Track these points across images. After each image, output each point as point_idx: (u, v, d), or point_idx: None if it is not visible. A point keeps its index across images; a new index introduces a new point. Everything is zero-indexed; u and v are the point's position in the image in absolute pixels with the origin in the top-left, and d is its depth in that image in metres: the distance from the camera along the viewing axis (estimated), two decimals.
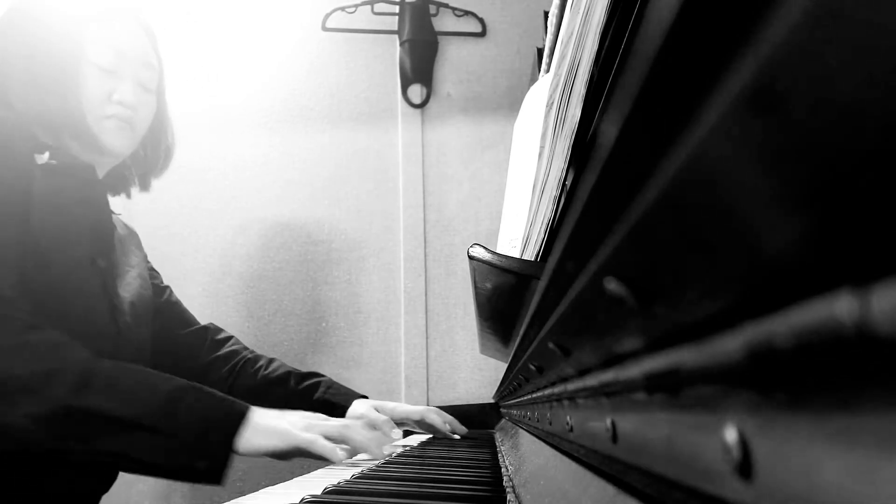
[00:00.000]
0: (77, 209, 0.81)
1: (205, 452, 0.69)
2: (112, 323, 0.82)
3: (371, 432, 0.79)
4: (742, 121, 0.09)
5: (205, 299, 1.48)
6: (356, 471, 0.63)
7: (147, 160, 0.99)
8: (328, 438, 0.74)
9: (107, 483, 0.87)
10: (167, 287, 1.07)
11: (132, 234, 1.02)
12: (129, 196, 1.01)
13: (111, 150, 0.87)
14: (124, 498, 1.38)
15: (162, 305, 1.03)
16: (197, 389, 0.73)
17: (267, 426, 0.72)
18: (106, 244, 0.86)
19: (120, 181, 0.98)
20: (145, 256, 1.04)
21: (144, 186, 1.02)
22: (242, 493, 0.53)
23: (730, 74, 0.09)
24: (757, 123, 0.09)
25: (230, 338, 1.10)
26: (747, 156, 0.10)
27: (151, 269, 1.05)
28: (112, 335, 0.82)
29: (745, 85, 0.09)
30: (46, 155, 0.79)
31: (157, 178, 1.02)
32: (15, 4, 0.84)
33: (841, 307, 0.08)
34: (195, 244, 1.53)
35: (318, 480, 0.59)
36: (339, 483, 0.53)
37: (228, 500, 0.49)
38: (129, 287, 0.90)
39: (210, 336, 1.07)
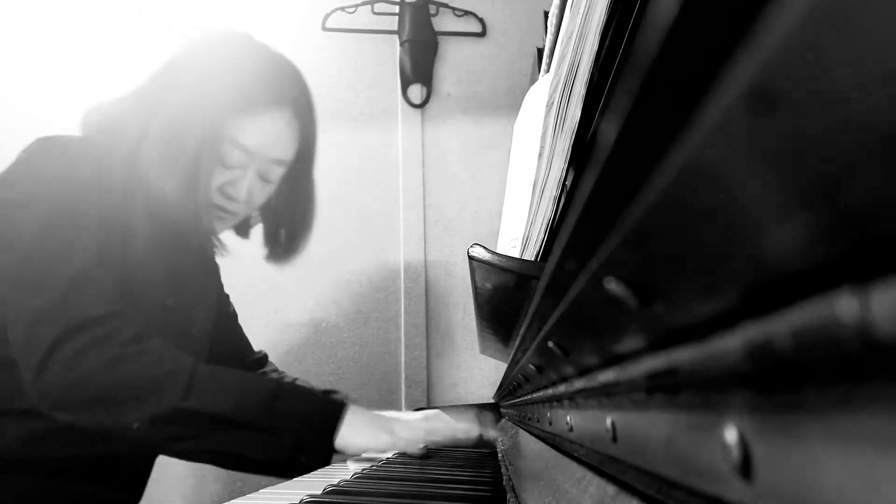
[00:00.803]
0: (165, 247, 0.82)
1: (306, 447, 0.71)
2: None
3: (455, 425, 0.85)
4: (742, 121, 0.09)
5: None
6: (356, 470, 0.63)
7: (282, 242, 0.99)
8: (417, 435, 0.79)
9: (137, 495, 0.89)
10: (235, 313, 1.12)
11: (213, 271, 1.03)
12: (246, 237, 1.01)
13: (207, 231, 0.86)
14: None
15: (231, 335, 1.08)
16: (296, 388, 0.77)
17: (360, 423, 0.75)
18: (181, 285, 0.87)
19: (238, 228, 0.98)
20: (221, 289, 1.06)
21: (272, 261, 1.02)
22: (242, 493, 0.53)
23: (729, 74, 0.09)
24: (756, 123, 0.09)
25: (269, 362, 1.16)
26: (747, 156, 0.10)
27: (224, 294, 1.08)
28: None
29: (744, 85, 0.09)
30: (145, 192, 0.79)
31: (287, 261, 1.02)
32: (173, 80, 0.81)
33: (841, 307, 0.08)
34: None
35: (319, 480, 0.59)
36: (339, 483, 0.53)
37: (228, 500, 0.49)
38: (194, 321, 0.91)
39: (258, 362, 1.13)
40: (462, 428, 0.84)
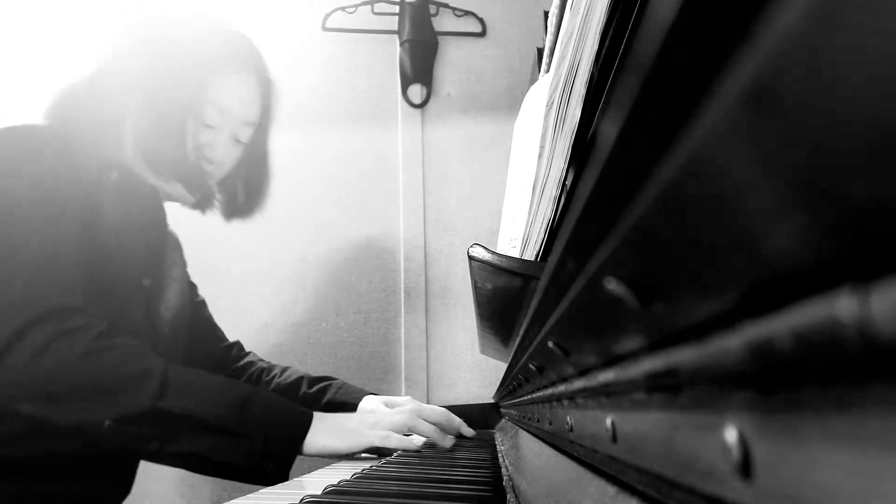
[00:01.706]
0: (138, 230, 0.83)
1: (273, 454, 0.72)
2: (151, 345, 0.83)
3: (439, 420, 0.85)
4: (742, 120, 0.09)
5: (204, 300, 1.47)
6: (357, 470, 0.63)
7: (240, 201, 1.03)
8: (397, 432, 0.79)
9: (125, 489, 0.88)
10: (203, 301, 1.11)
11: (176, 244, 1.04)
12: (203, 213, 1.04)
13: (184, 197, 0.91)
14: None
15: (199, 321, 1.06)
16: (265, 394, 0.77)
17: (334, 428, 0.76)
18: (155, 264, 0.88)
19: (198, 203, 1.00)
20: (186, 266, 1.06)
21: (227, 218, 1.05)
22: (242, 493, 0.53)
23: (730, 74, 0.09)
24: (757, 123, 0.09)
25: (248, 353, 1.15)
26: (747, 156, 0.10)
27: (191, 283, 1.07)
28: None
29: (745, 84, 0.09)
30: (115, 174, 0.81)
31: (244, 219, 1.05)
32: (149, 49, 0.85)
33: (841, 307, 0.08)
34: (195, 245, 1.52)
35: (318, 480, 0.59)
36: (339, 483, 0.53)
37: (229, 500, 0.49)
38: (170, 304, 0.92)
39: (236, 352, 1.12)
40: (437, 434, 0.83)
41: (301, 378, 1.06)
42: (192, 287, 1.08)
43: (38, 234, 0.71)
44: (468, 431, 0.98)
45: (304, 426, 0.75)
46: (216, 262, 1.53)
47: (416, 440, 0.81)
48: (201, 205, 1.02)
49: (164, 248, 0.91)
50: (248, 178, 1.01)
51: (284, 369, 1.09)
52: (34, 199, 0.73)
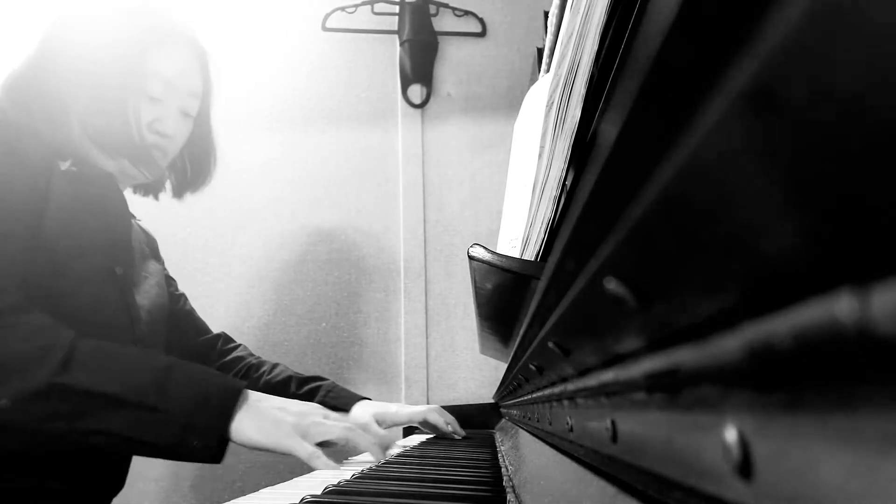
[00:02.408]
0: (96, 217, 0.82)
1: (198, 430, 0.67)
2: (129, 332, 0.83)
3: (374, 435, 0.78)
4: (742, 120, 0.09)
5: (204, 300, 1.48)
6: (356, 470, 0.63)
7: (188, 176, 1.02)
8: (330, 441, 0.73)
9: (117, 485, 0.87)
10: (182, 295, 1.10)
11: (151, 241, 1.04)
12: (157, 199, 1.04)
13: (139, 176, 0.90)
14: (124, 497, 1.38)
15: (177, 313, 1.05)
16: (190, 365, 0.72)
17: (263, 415, 0.70)
18: (125, 252, 0.87)
19: (151, 186, 1.01)
20: (163, 264, 1.05)
21: (178, 195, 1.04)
22: (243, 493, 0.53)
23: (730, 74, 0.09)
24: (757, 123, 0.09)
25: (238, 346, 1.12)
26: (747, 156, 0.10)
27: (168, 277, 1.06)
28: (129, 344, 0.82)
29: (744, 84, 0.09)
30: (69, 162, 0.80)
31: (193, 192, 1.04)
32: (82, 21, 0.85)
33: (841, 307, 0.08)
34: (194, 245, 1.53)
35: (319, 480, 0.59)
36: (339, 483, 0.53)
37: (228, 500, 0.49)
38: (147, 295, 0.91)
39: (221, 344, 1.10)
40: (377, 439, 0.78)
41: (290, 378, 1.04)
42: (171, 281, 1.07)
43: None
44: (459, 431, 0.95)
45: (232, 399, 0.70)
46: (216, 262, 1.53)
47: (391, 451, 0.75)
48: (154, 188, 1.02)
49: (130, 236, 0.90)
50: (193, 151, 1.00)
51: (274, 366, 1.07)
52: None
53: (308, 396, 1.01)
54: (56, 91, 0.82)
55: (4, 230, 0.70)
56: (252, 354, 1.11)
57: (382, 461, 0.75)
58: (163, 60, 0.88)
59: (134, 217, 0.97)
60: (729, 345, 0.12)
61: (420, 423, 1.06)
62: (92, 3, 0.87)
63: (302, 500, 0.45)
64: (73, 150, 0.82)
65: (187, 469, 1.40)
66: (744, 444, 0.12)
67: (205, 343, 1.08)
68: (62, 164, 0.79)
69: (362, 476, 0.59)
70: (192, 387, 0.69)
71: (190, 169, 1.02)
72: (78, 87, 0.82)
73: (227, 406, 0.69)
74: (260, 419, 0.70)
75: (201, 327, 1.10)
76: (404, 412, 1.04)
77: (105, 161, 0.85)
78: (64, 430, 0.65)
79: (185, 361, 0.72)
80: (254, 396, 0.72)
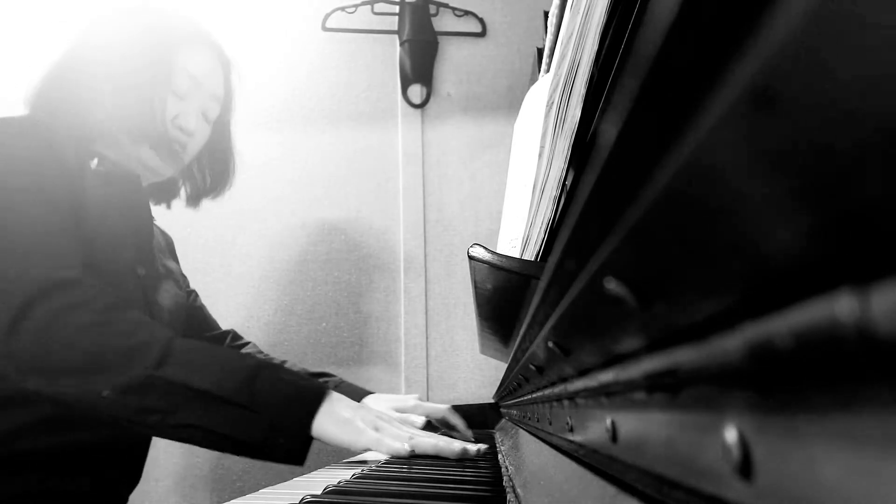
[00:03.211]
0: (123, 217, 0.84)
1: (284, 429, 0.69)
2: None
3: (440, 437, 0.77)
4: (742, 121, 0.09)
5: (205, 299, 1.47)
6: (356, 470, 0.63)
7: (203, 184, 1.05)
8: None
9: (132, 481, 0.89)
10: (193, 291, 1.13)
11: (169, 241, 1.06)
12: (168, 207, 1.06)
13: (160, 168, 0.92)
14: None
15: (189, 310, 1.07)
16: (277, 367, 0.74)
17: (342, 417, 0.72)
18: (147, 252, 0.89)
19: (164, 193, 1.03)
20: (179, 263, 1.08)
21: (193, 204, 1.07)
22: (243, 493, 0.53)
23: (730, 74, 0.09)
24: (757, 123, 0.09)
25: (247, 343, 1.15)
26: (747, 156, 0.10)
27: (183, 274, 1.09)
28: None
29: (745, 85, 0.09)
30: (95, 161, 0.82)
31: (210, 200, 1.07)
32: (118, 17, 0.89)
33: (841, 307, 0.08)
34: (195, 244, 1.53)
35: (319, 480, 0.59)
36: (339, 483, 0.53)
37: (228, 499, 0.49)
38: (167, 294, 0.93)
39: (230, 341, 1.13)
40: (444, 443, 0.76)
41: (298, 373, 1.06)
42: (185, 279, 1.10)
43: (30, 215, 0.72)
44: (464, 436, 0.95)
45: (317, 399, 0.71)
46: (216, 262, 1.53)
47: (456, 445, 0.73)
48: (167, 194, 1.04)
49: (152, 237, 0.92)
50: (213, 157, 1.03)
51: (282, 363, 1.08)
52: (21, 186, 0.73)
53: None
54: (88, 80, 0.84)
55: (64, 226, 0.73)
56: (261, 352, 1.13)
57: (457, 449, 0.73)
58: (191, 59, 0.91)
59: (153, 219, 0.98)
60: (729, 345, 0.12)
61: (438, 420, 1.05)
62: (125, 1, 0.90)
63: (302, 500, 0.45)
64: (101, 134, 0.84)
65: (187, 469, 1.40)
66: (744, 444, 0.12)
67: (214, 338, 1.11)
68: (91, 162, 0.81)
69: (362, 476, 0.59)
70: (280, 387, 0.70)
71: (209, 177, 1.04)
72: (107, 74, 0.84)
73: (312, 407, 0.71)
74: (339, 416, 0.71)
75: (212, 324, 1.13)
76: (422, 408, 1.03)
77: (129, 149, 0.87)
78: (158, 423, 0.67)
79: (273, 363, 0.76)
80: (335, 396, 0.74)
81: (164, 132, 0.87)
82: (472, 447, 0.75)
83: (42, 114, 0.83)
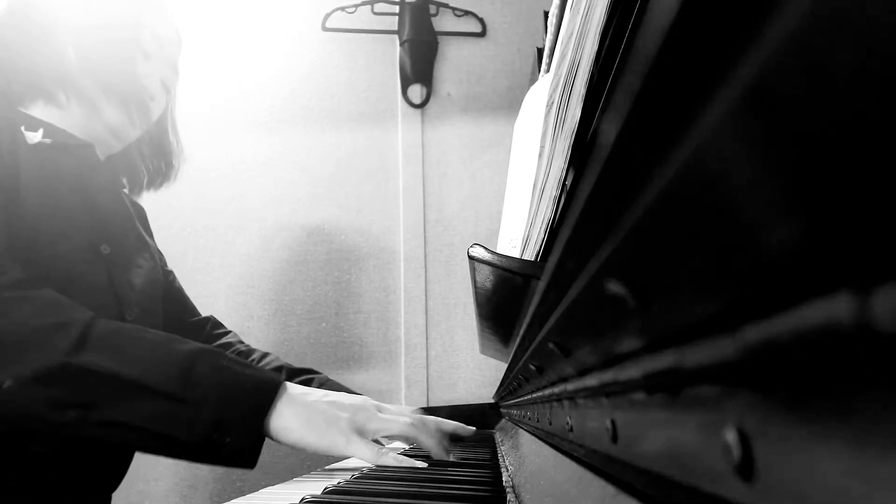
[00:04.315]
0: (75, 192, 0.76)
1: (229, 426, 0.59)
2: (118, 317, 0.77)
3: (435, 430, 0.71)
4: (742, 121, 0.09)
5: (204, 299, 1.47)
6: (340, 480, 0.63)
7: (143, 176, 0.99)
8: (391, 436, 0.67)
9: (115, 480, 0.84)
10: (171, 272, 1.05)
11: (140, 211, 0.99)
12: (138, 196, 1.01)
13: (124, 129, 0.87)
14: (124, 498, 1.38)
15: (167, 290, 1.00)
16: (219, 353, 0.63)
17: (311, 410, 0.62)
18: (112, 228, 0.81)
19: (130, 178, 0.98)
20: (153, 237, 1.01)
21: (154, 187, 1.02)
22: (242, 493, 0.53)
23: (730, 74, 0.09)
24: (757, 124, 0.09)
25: (228, 332, 1.08)
26: (747, 156, 0.10)
27: (159, 252, 1.01)
28: None
29: (745, 85, 0.09)
30: (40, 133, 0.74)
31: (156, 189, 1.01)
32: None
33: (841, 307, 0.08)
34: (195, 244, 1.53)
35: (318, 480, 0.59)
36: (339, 483, 0.53)
37: (228, 499, 0.49)
38: (140, 272, 0.85)
39: (209, 328, 1.06)
40: (442, 448, 0.71)
41: (281, 368, 0.98)
42: (161, 255, 1.02)
43: None
44: (466, 431, 0.94)
45: (270, 393, 0.61)
46: (216, 262, 1.53)
47: (419, 463, 0.65)
48: (133, 180, 0.99)
49: (121, 211, 0.86)
50: (154, 151, 0.99)
51: (265, 355, 1.01)
52: None
53: None
54: (49, 25, 0.80)
55: None
56: (242, 342, 1.05)
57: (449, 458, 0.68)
58: (156, 19, 0.89)
59: (124, 188, 0.94)
60: (729, 345, 0.12)
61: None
62: None
63: (302, 500, 0.45)
64: (72, 83, 0.81)
65: (187, 469, 1.40)
66: (744, 444, 0.12)
67: (193, 325, 1.03)
68: (32, 135, 0.74)
69: (362, 476, 0.59)
70: (224, 376, 0.60)
71: (149, 169, 0.99)
72: (78, 25, 0.81)
73: (264, 400, 0.61)
74: (308, 415, 0.62)
75: (190, 308, 1.06)
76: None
77: (94, 107, 0.83)
78: (77, 421, 0.57)
79: (216, 349, 0.64)
80: (297, 390, 0.64)
81: (136, 89, 0.85)
82: (447, 454, 0.70)
83: None
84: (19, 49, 0.79)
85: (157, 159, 0.99)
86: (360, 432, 0.64)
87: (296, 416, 0.61)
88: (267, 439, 0.62)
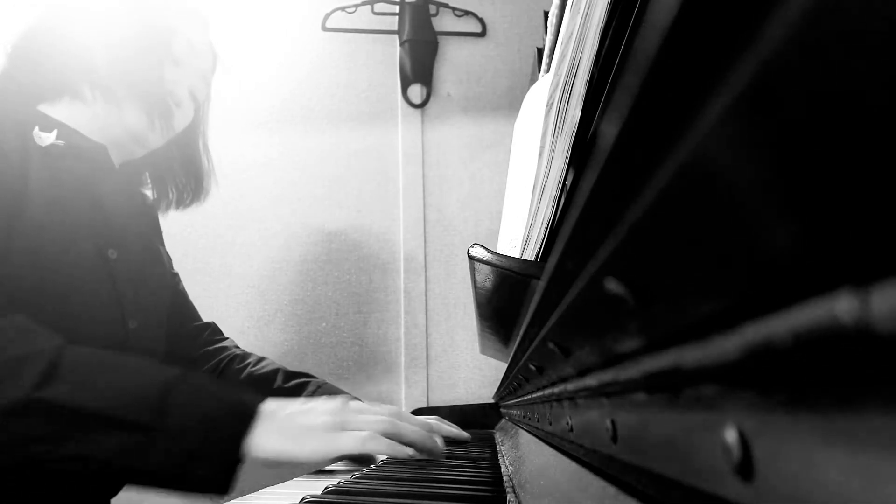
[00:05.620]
0: (84, 196, 0.75)
1: (205, 455, 0.57)
2: (120, 325, 0.76)
3: (418, 424, 0.69)
4: (741, 121, 0.09)
5: (204, 300, 1.47)
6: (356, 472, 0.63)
7: (191, 191, 0.99)
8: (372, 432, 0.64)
9: (115, 486, 0.82)
10: (176, 274, 1.04)
11: (153, 215, 0.98)
12: (164, 215, 1.00)
13: (144, 135, 0.85)
14: (123, 498, 1.38)
15: (173, 295, 0.99)
16: (195, 380, 0.62)
17: (292, 426, 0.61)
18: (120, 232, 0.80)
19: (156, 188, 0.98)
20: (162, 235, 1.00)
21: (181, 207, 1.01)
22: (242, 493, 0.53)
23: (730, 74, 0.09)
24: (757, 124, 0.09)
25: (225, 338, 1.08)
26: (747, 156, 0.10)
27: (167, 253, 1.00)
28: (119, 339, 0.76)
29: (745, 85, 0.09)
30: (54, 134, 0.73)
31: (185, 208, 1.00)
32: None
33: (841, 307, 0.08)
34: (195, 245, 1.53)
35: (319, 480, 0.59)
36: (339, 483, 0.53)
37: (229, 500, 0.48)
38: (147, 278, 0.85)
39: (208, 334, 1.05)
40: (426, 432, 0.67)
41: (277, 370, 0.97)
42: (169, 258, 1.00)
43: None
44: (462, 435, 0.89)
45: (247, 418, 0.59)
46: (216, 262, 1.53)
47: (408, 449, 0.64)
48: (162, 202, 0.98)
49: (130, 213, 0.85)
50: (186, 168, 0.98)
51: (260, 359, 1.00)
52: None
53: (296, 391, 0.94)
54: (80, 21, 0.80)
55: None
56: (237, 347, 1.05)
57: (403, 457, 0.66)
58: (194, 31, 0.88)
59: (144, 196, 0.93)
60: (729, 345, 0.12)
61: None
62: None
63: (302, 499, 0.45)
64: (98, 79, 0.80)
65: None
66: (744, 444, 0.12)
67: (193, 329, 1.03)
68: (46, 137, 0.73)
69: (362, 476, 0.59)
70: (197, 404, 0.59)
71: (194, 185, 0.99)
72: (105, 16, 0.81)
73: (241, 428, 0.59)
74: (284, 426, 0.61)
75: (191, 312, 1.05)
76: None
77: (117, 109, 0.81)
78: (46, 455, 0.55)
79: (193, 374, 0.63)
80: (272, 405, 0.62)
81: (161, 93, 0.83)
82: (435, 443, 0.67)
83: (20, 62, 0.77)
84: (50, 40, 0.79)
85: (186, 177, 0.99)
86: (341, 430, 0.63)
87: (273, 431, 0.60)
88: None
